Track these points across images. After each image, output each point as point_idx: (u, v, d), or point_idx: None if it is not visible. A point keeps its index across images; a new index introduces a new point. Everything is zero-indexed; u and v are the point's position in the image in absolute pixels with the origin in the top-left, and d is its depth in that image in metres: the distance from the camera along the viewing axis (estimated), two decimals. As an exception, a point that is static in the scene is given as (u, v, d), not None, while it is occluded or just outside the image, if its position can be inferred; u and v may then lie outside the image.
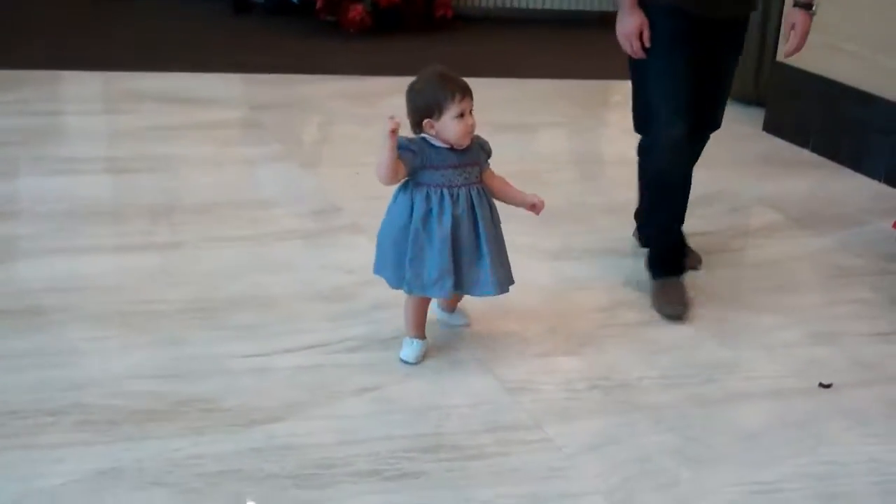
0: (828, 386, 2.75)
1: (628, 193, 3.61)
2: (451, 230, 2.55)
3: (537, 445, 2.42)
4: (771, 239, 3.86)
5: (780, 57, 4.67)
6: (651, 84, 3.03)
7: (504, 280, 2.67)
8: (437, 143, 2.55)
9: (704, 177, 4.65)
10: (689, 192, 3.23)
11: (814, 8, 3.05)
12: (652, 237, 3.29)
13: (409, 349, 2.73)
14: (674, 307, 3.07)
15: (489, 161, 2.67)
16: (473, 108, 2.56)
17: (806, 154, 4.89)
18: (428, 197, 2.55)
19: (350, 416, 2.48)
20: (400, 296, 2.73)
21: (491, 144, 2.69)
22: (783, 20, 3.36)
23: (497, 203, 2.71)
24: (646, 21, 2.92)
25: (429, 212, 2.55)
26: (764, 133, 5.18)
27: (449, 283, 2.59)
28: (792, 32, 3.07)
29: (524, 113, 5.46)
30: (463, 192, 2.57)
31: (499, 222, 2.69)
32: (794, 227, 3.97)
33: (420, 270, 2.58)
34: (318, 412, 2.49)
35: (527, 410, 2.55)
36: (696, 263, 3.41)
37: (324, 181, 4.15)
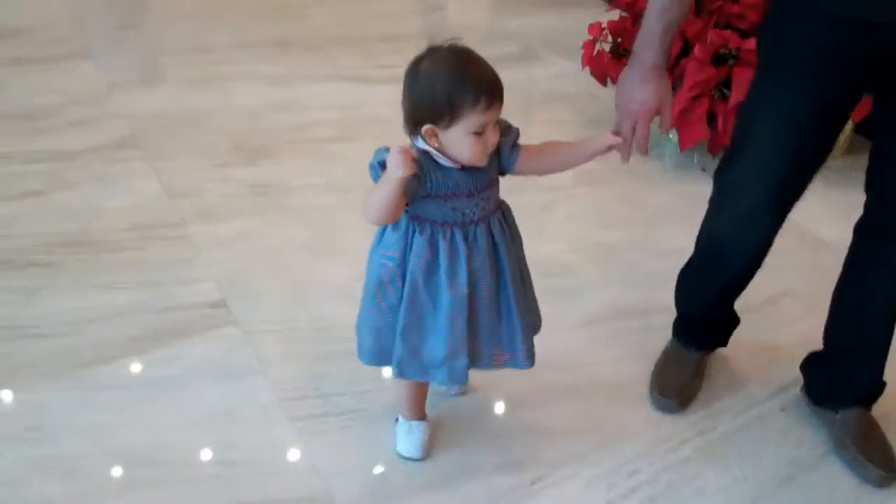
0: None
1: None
2: (467, 291, 1.73)
3: (175, 241, 2.65)
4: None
5: None
6: (747, 126, 1.87)
7: (533, 346, 1.86)
8: (445, 162, 1.66)
9: (455, 12, 4.83)
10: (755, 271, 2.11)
11: None
12: (680, 301, 2.26)
13: (408, 440, 1.96)
14: (662, 396, 2.15)
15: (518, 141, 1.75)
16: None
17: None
18: (433, 241, 1.70)
19: (2, 216, 2.69)
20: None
21: None
22: None
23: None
24: (668, 97, 1.78)
25: (434, 264, 1.72)
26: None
27: (462, 363, 1.79)
28: None
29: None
30: (482, 229, 1.72)
31: (522, 254, 1.86)
32: (526, 58, 4.16)
33: (418, 345, 1.78)
34: (-27, 213, 2.70)
35: (180, 212, 2.77)
36: None
37: (75, 9, 4.22)
